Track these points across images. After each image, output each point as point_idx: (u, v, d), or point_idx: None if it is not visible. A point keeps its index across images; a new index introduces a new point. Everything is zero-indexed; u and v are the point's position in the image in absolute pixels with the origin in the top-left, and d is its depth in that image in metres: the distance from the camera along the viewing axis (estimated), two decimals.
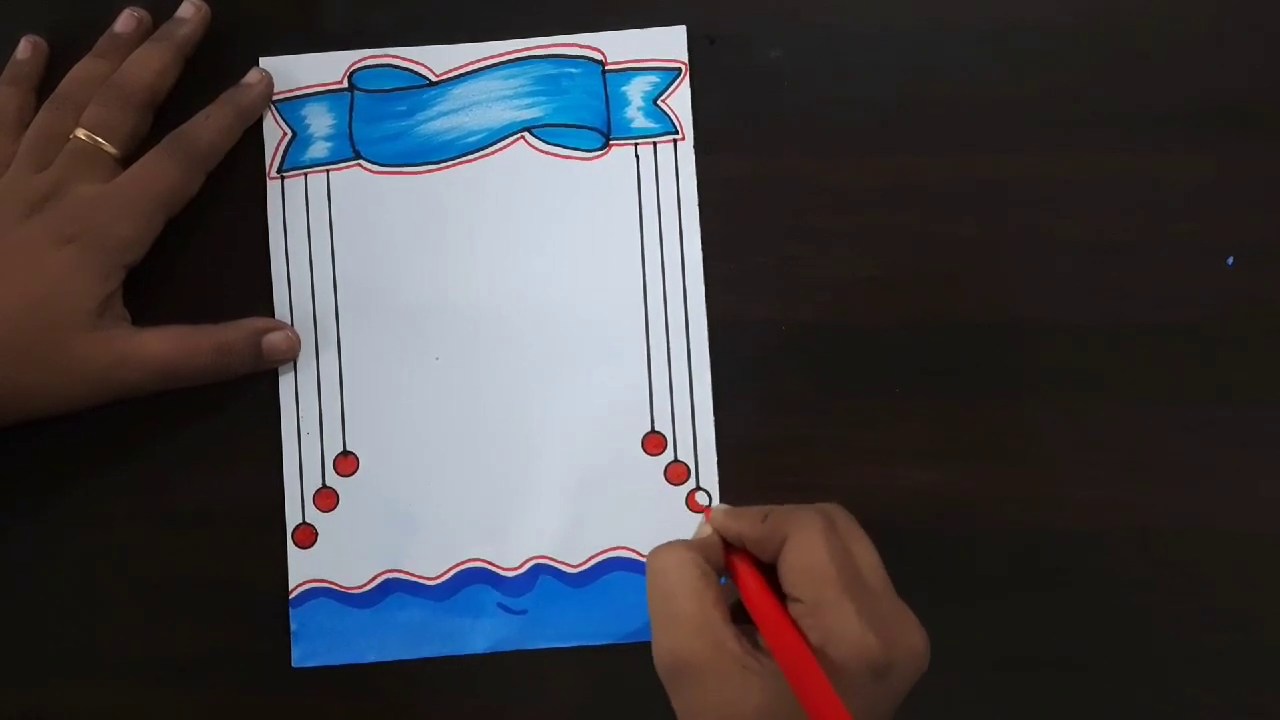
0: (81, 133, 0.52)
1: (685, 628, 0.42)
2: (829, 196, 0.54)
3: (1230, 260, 0.53)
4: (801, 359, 0.54)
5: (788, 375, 0.54)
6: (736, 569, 0.45)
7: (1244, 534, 0.53)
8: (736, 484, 0.54)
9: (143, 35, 0.55)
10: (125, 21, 0.55)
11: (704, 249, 0.55)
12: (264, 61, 0.55)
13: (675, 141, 0.55)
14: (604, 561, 0.54)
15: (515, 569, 0.54)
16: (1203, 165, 0.53)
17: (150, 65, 0.54)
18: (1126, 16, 0.54)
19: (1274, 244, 0.53)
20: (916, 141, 0.54)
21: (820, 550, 0.42)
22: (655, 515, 0.54)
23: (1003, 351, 0.54)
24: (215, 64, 0.56)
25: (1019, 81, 0.54)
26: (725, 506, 0.47)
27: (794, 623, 0.42)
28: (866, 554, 0.44)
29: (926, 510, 0.54)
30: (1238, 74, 0.54)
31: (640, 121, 0.55)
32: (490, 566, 0.54)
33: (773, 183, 0.55)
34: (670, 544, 0.45)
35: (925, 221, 0.54)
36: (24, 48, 0.55)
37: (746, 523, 0.45)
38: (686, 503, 0.54)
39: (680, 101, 0.55)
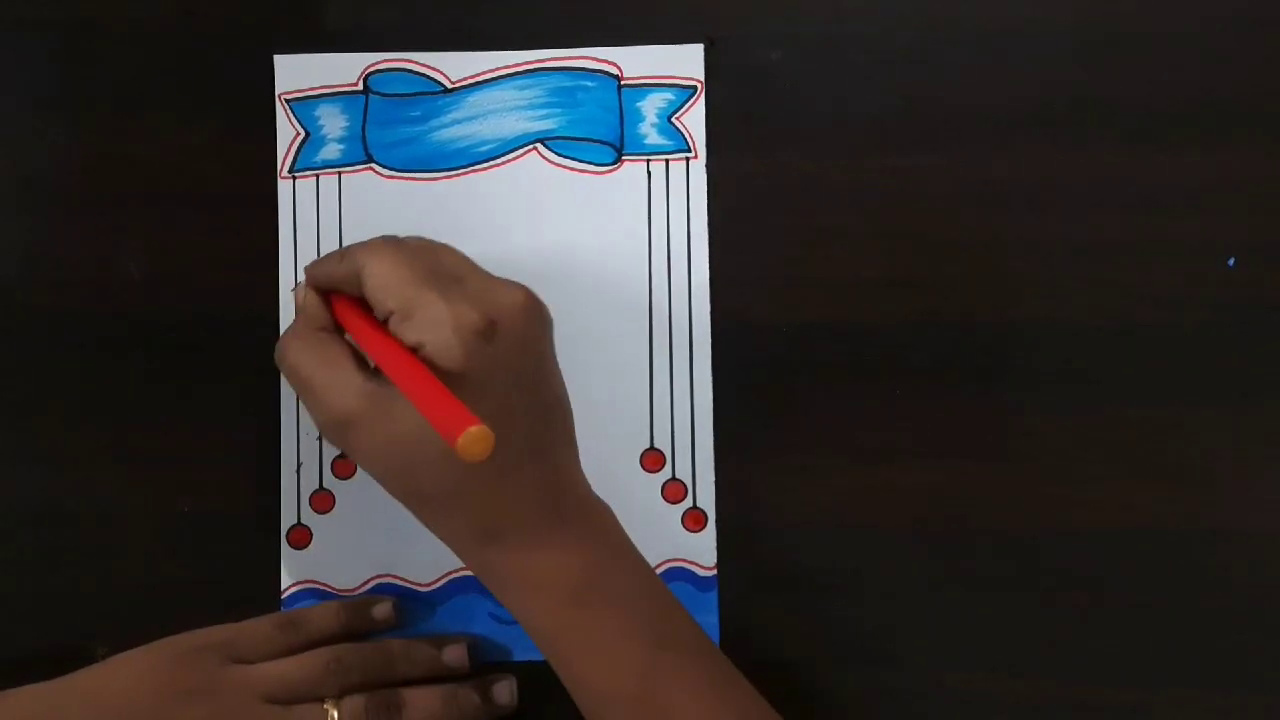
0: (332, 712, 0.50)
1: (328, 395, 0.44)
2: (828, 197, 0.55)
3: (1231, 260, 0.54)
4: (801, 359, 0.54)
5: (787, 375, 0.54)
6: (337, 310, 0.47)
7: (1244, 534, 0.53)
8: (735, 485, 0.54)
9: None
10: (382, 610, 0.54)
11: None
12: (278, 59, 0.56)
13: (688, 160, 0.55)
14: None
15: None
16: (1203, 165, 0.54)
17: (429, 708, 0.51)
18: (1125, 17, 0.55)
19: (1274, 244, 0.54)
20: (916, 142, 0.55)
21: (391, 262, 0.44)
22: (651, 532, 0.53)
23: (1003, 352, 0.54)
24: (219, 63, 0.56)
25: (1019, 82, 0.55)
26: (313, 266, 0.48)
27: (392, 337, 0.43)
28: (443, 252, 0.46)
29: (926, 510, 0.54)
30: (1238, 74, 0.54)
31: (653, 138, 0.55)
32: None
33: (772, 183, 0.55)
34: (282, 337, 0.47)
35: (925, 222, 0.55)
36: (383, 610, 0.54)
37: (330, 264, 0.47)
38: (683, 521, 0.54)
39: (694, 119, 0.55)
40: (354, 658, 0.51)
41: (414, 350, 0.43)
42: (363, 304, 0.45)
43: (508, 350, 0.44)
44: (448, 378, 0.42)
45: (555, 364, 0.47)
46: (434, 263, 0.45)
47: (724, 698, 0.47)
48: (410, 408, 0.41)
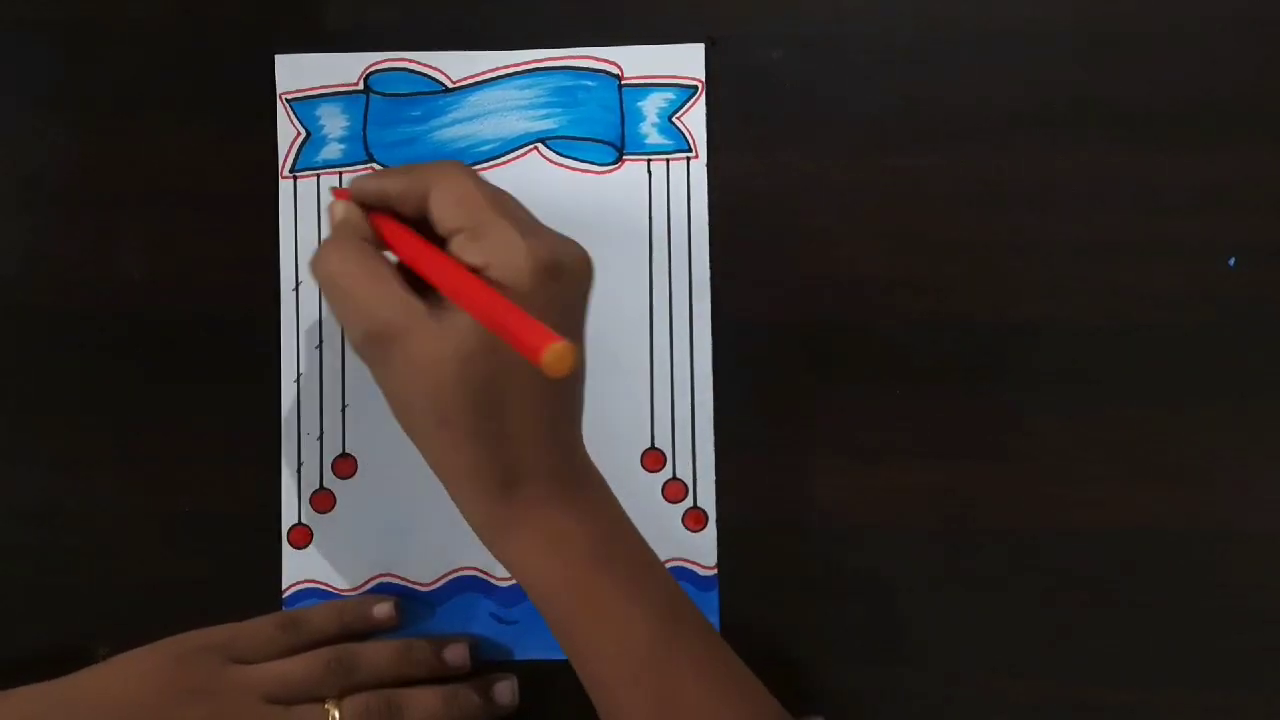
0: (333, 712, 0.50)
1: (369, 305, 0.43)
2: (829, 197, 0.55)
3: (1232, 261, 0.54)
4: (801, 359, 0.54)
5: (788, 375, 0.54)
6: (384, 229, 0.45)
7: (1244, 534, 0.53)
8: (735, 485, 0.54)
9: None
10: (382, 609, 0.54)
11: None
12: (279, 59, 0.56)
13: (688, 160, 0.55)
14: None
15: (508, 579, 0.54)
16: (1203, 165, 0.54)
17: (430, 708, 0.51)
18: (1125, 17, 0.55)
19: (1274, 244, 0.54)
20: (916, 142, 0.55)
21: (469, 183, 0.44)
22: (651, 532, 0.52)
23: (1003, 352, 0.54)
24: (219, 63, 0.56)
25: (1019, 82, 0.55)
26: (360, 180, 0.47)
27: (454, 257, 0.43)
28: (512, 198, 0.45)
29: (926, 510, 0.54)
30: (1238, 74, 0.55)
31: (654, 138, 0.55)
32: (483, 575, 0.54)
33: (773, 183, 0.55)
34: (321, 247, 0.45)
35: (925, 222, 0.55)
36: (383, 610, 0.54)
37: (389, 179, 0.46)
38: (684, 521, 0.55)
39: (695, 119, 0.55)
40: (355, 658, 0.51)
41: (477, 271, 0.42)
42: (412, 225, 0.45)
43: (566, 295, 0.44)
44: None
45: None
46: (506, 200, 0.45)
47: (726, 673, 0.46)
48: (458, 326, 0.41)
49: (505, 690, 0.53)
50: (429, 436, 0.45)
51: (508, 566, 0.46)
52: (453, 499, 0.46)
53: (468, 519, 0.46)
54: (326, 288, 0.45)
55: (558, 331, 0.39)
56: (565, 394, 0.45)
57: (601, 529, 0.46)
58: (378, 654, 0.52)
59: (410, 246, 0.44)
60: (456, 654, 0.53)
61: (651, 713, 0.45)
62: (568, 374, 0.37)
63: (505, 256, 0.42)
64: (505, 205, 0.44)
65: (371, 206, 0.46)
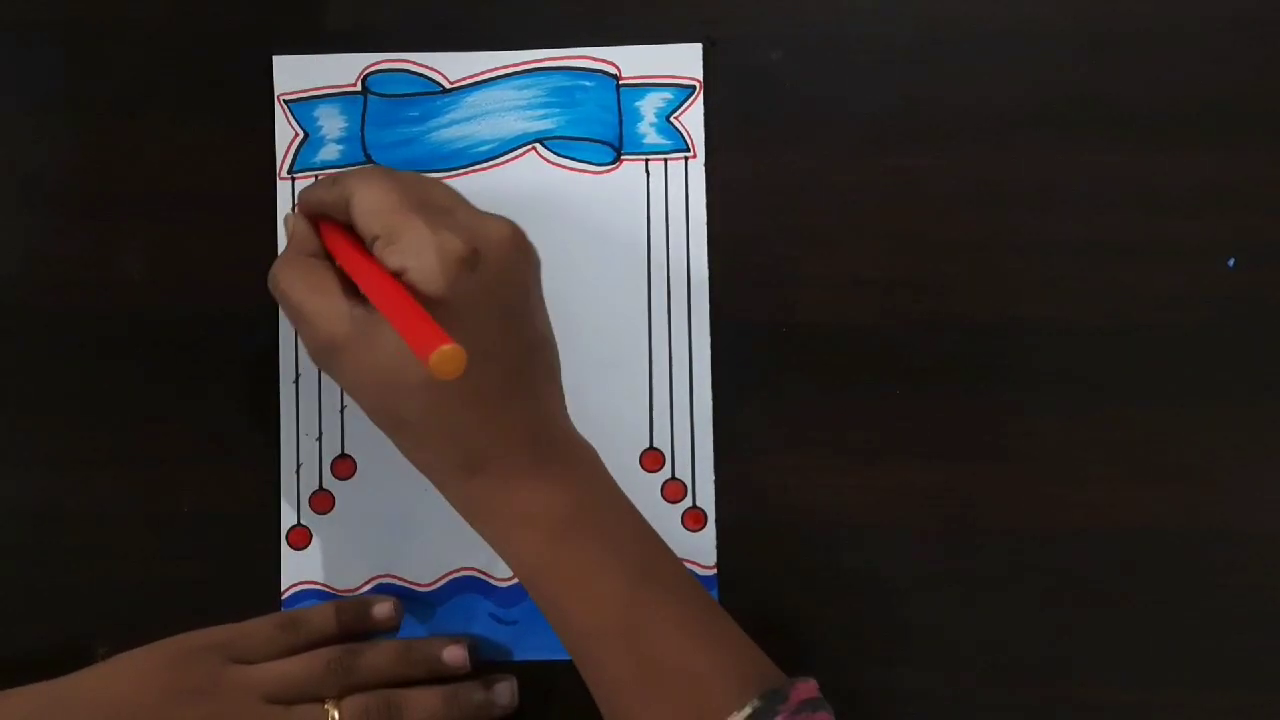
0: (333, 712, 0.50)
1: (316, 320, 0.44)
2: (828, 197, 0.55)
3: (1231, 261, 0.54)
4: (801, 359, 0.54)
5: (787, 375, 0.54)
6: (326, 238, 0.47)
7: (1244, 534, 0.53)
8: (735, 486, 0.54)
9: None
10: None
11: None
12: (277, 60, 0.56)
13: (686, 159, 0.55)
14: None
15: (507, 580, 0.54)
16: (1203, 165, 0.54)
17: (430, 708, 0.51)
18: (1125, 17, 0.55)
19: (1274, 244, 0.54)
20: (916, 142, 0.55)
21: (380, 188, 0.44)
22: None
23: (1003, 352, 0.54)
24: (222, 61, 0.56)
25: (1018, 82, 0.55)
26: (306, 190, 0.48)
27: (377, 262, 0.43)
28: (433, 185, 0.46)
29: (926, 510, 0.53)
30: (1237, 74, 0.54)
31: (652, 138, 0.55)
32: (483, 576, 0.54)
33: (772, 183, 0.55)
34: (279, 258, 0.47)
35: (925, 222, 0.55)
36: (383, 610, 0.54)
37: (321, 190, 0.47)
38: (683, 521, 0.54)
39: (693, 119, 0.55)
40: (354, 658, 0.51)
41: (397, 275, 0.42)
42: (351, 231, 0.45)
43: (491, 281, 0.44)
44: (429, 304, 0.41)
45: (540, 301, 0.48)
46: (423, 193, 0.45)
47: (709, 631, 0.47)
48: (393, 333, 0.42)
49: (505, 690, 0.53)
50: (392, 435, 0.47)
51: (492, 546, 0.47)
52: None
53: (451, 504, 0.47)
54: (280, 303, 0.47)
55: (484, 319, 0.42)
56: (520, 375, 0.46)
57: (570, 499, 0.46)
58: (378, 654, 0.52)
59: (343, 254, 0.45)
60: (456, 654, 0.53)
61: (633, 677, 0.45)
62: (455, 376, 0.38)
63: (417, 259, 0.42)
64: (422, 203, 0.44)
65: (319, 215, 0.48)
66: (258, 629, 0.52)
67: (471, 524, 0.47)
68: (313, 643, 0.52)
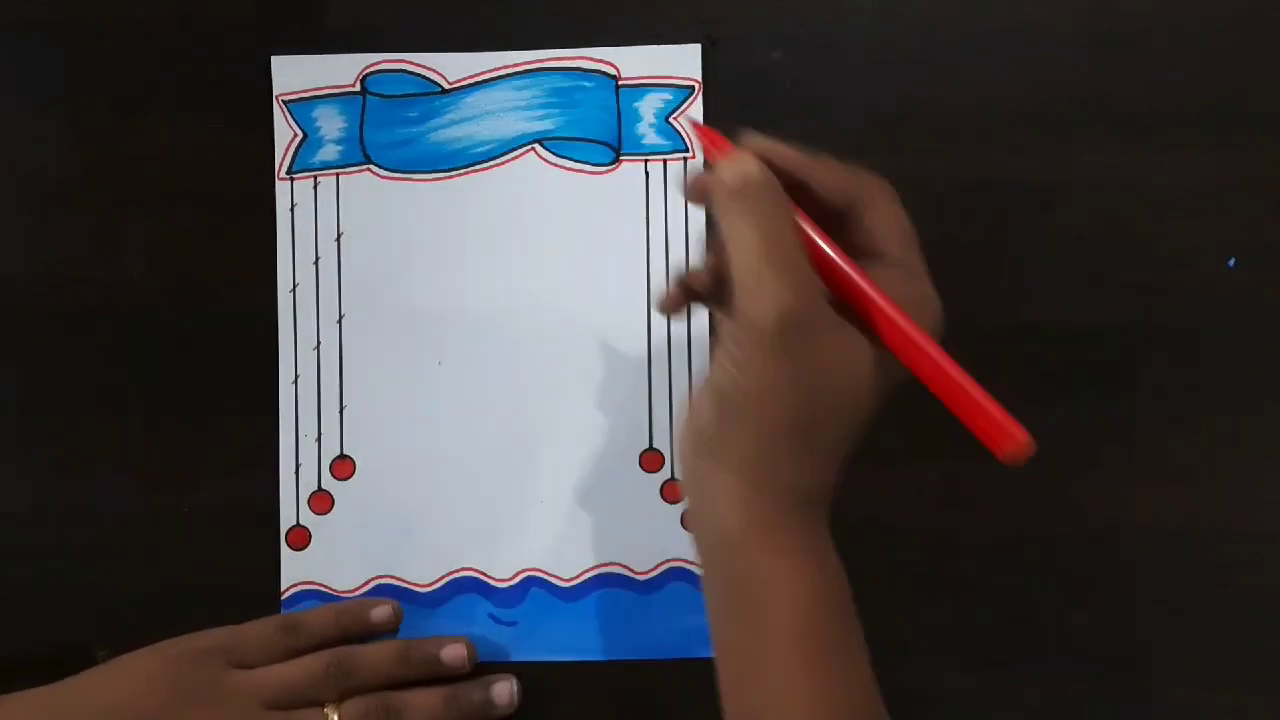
0: (333, 716, 0.50)
1: (802, 281, 0.38)
2: None
3: (1231, 261, 0.54)
4: None
5: None
6: (805, 225, 0.41)
7: (1244, 534, 0.53)
8: None
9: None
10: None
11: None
12: (276, 60, 0.55)
13: (685, 160, 0.55)
14: (596, 577, 0.54)
15: (507, 580, 0.54)
16: (1203, 165, 0.54)
17: (430, 710, 0.51)
18: (1125, 17, 0.55)
19: (1274, 244, 0.54)
20: (915, 143, 0.55)
21: (903, 214, 0.42)
22: (649, 533, 0.54)
23: (1002, 352, 0.53)
24: (221, 62, 0.56)
25: (1018, 82, 0.55)
26: (757, 137, 0.42)
27: (880, 286, 0.40)
28: None
29: (926, 510, 0.53)
30: (1238, 74, 0.54)
31: (651, 138, 0.55)
32: (482, 577, 0.54)
33: None
34: (753, 180, 0.39)
35: (925, 223, 0.54)
36: (382, 612, 0.54)
37: (818, 167, 0.42)
38: (681, 521, 0.54)
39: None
40: (354, 660, 0.51)
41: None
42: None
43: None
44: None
45: None
46: None
47: None
48: (861, 343, 0.39)
49: (504, 690, 0.53)
50: (790, 435, 0.40)
51: (745, 575, 0.40)
52: (717, 490, 0.40)
53: (723, 515, 0.40)
54: (748, 233, 0.39)
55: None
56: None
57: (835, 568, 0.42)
58: (377, 656, 0.52)
59: (838, 264, 0.40)
60: (455, 654, 0.53)
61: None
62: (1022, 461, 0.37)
63: (925, 310, 0.41)
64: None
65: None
66: (257, 632, 0.52)
67: (740, 540, 0.40)
68: (312, 645, 0.52)
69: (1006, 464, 0.37)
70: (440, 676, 0.52)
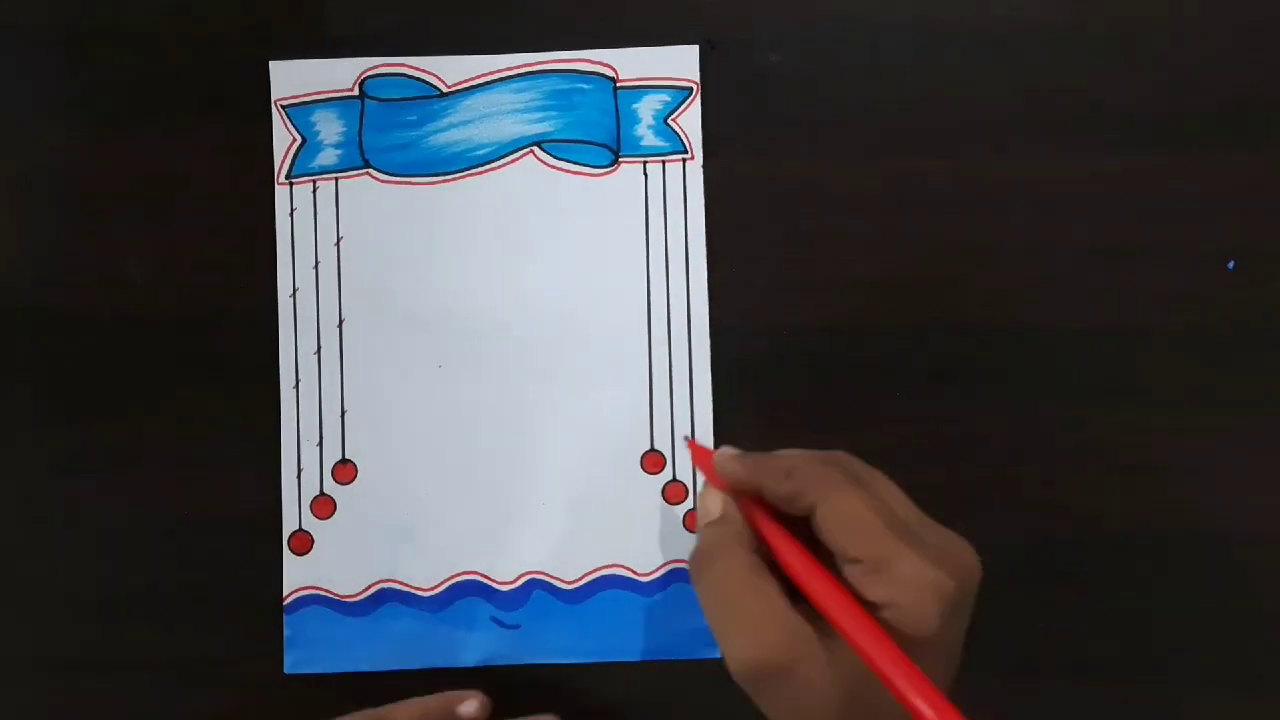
0: None
1: (757, 633, 0.40)
2: (828, 200, 0.54)
3: (1231, 263, 0.54)
4: (802, 362, 0.54)
5: (788, 378, 0.54)
6: (766, 534, 0.42)
7: (1244, 534, 0.53)
8: None
9: None
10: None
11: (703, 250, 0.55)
12: (274, 65, 0.55)
13: (684, 161, 0.55)
14: (599, 579, 0.54)
15: (510, 583, 0.54)
16: (1203, 166, 0.54)
17: None
18: (1126, 18, 0.54)
19: (1274, 245, 0.54)
20: (915, 144, 0.54)
21: (861, 508, 0.40)
22: (652, 534, 0.54)
23: (1003, 354, 0.54)
24: (220, 66, 0.56)
25: (1019, 84, 0.54)
26: (729, 451, 0.44)
27: (849, 587, 0.40)
28: (893, 494, 0.42)
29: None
30: (1238, 75, 0.54)
31: (650, 140, 0.55)
32: (485, 580, 0.54)
33: (772, 185, 0.55)
34: (707, 542, 0.42)
35: (924, 224, 0.54)
36: (469, 709, 0.51)
37: (768, 478, 0.42)
38: (684, 522, 0.54)
39: (690, 121, 0.55)
40: None
41: (875, 606, 0.39)
42: (785, 521, 0.42)
43: (961, 618, 0.41)
44: (903, 642, 0.38)
45: None
46: (893, 507, 0.41)
47: None
48: (849, 662, 0.39)
49: None
50: None
51: None
52: None
53: None
54: (708, 601, 0.41)
55: (943, 656, 0.39)
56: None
57: None
58: None
59: (799, 566, 0.41)
60: None
61: None
62: None
63: (912, 599, 0.38)
64: (897, 524, 0.40)
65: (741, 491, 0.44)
66: None
67: None
68: None
69: None
70: None
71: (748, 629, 0.40)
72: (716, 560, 0.42)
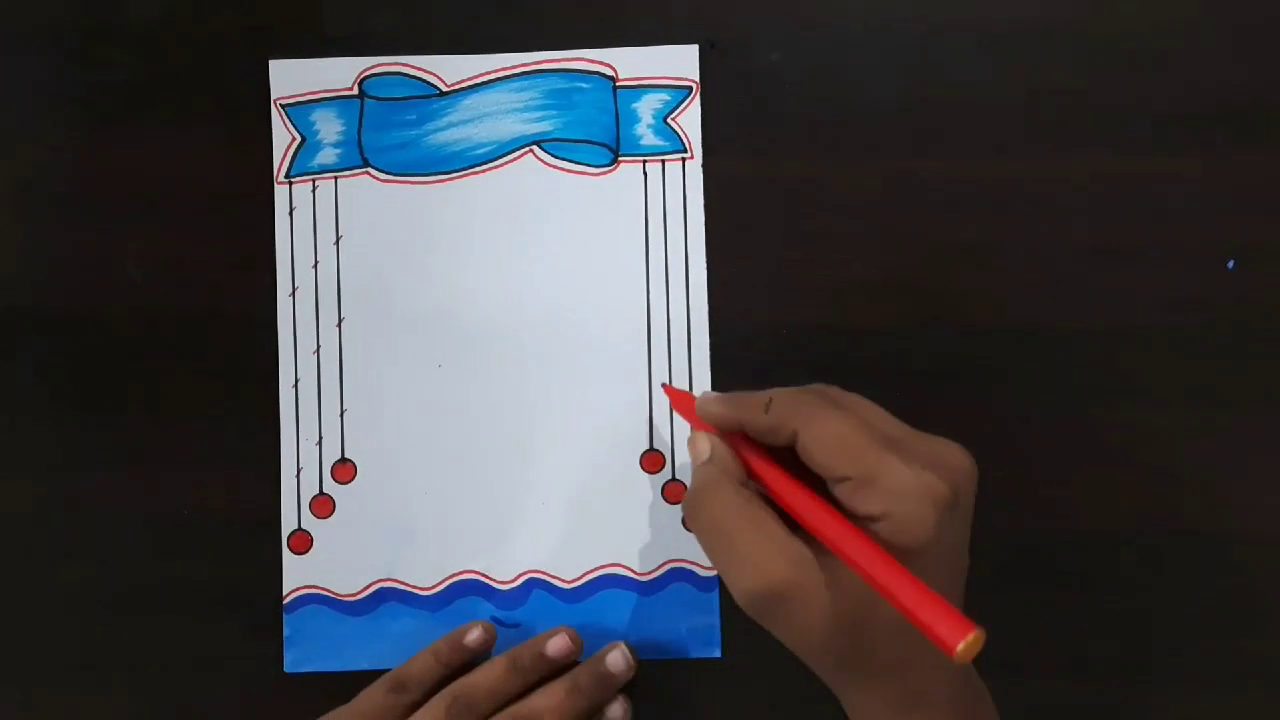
0: None
1: (758, 562, 0.40)
2: (828, 199, 0.54)
3: (1230, 263, 0.53)
4: (799, 361, 0.54)
5: (786, 377, 0.54)
6: (755, 468, 0.43)
7: (1245, 534, 0.53)
8: None
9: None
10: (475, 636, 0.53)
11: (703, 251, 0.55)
12: (273, 64, 0.55)
13: (684, 160, 0.55)
14: (598, 578, 0.54)
15: (509, 582, 0.54)
16: (1202, 167, 0.54)
17: (557, 707, 0.51)
18: (1126, 17, 0.54)
19: (1274, 247, 0.53)
20: (915, 144, 0.54)
21: (842, 427, 0.40)
22: (651, 533, 0.54)
23: (1003, 354, 0.54)
24: (219, 66, 0.56)
25: (1018, 83, 0.54)
26: (711, 395, 0.45)
27: (840, 505, 0.40)
28: (875, 413, 0.43)
29: None
30: (1237, 75, 0.54)
31: (649, 139, 0.55)
32: (484, 579, 0.54)
33: (772, 185, 0.55)
34: (700, 482, 0.43)
35: (924, 224, 0.54)
36: (475, 636, 0.53)
37: (748, 413, 0.43)
38: (683, 522, 0.54)
39: (690, 120, 0.55)
40: (470, 693, 0.50)
41: (869, 520, 0.39)
42: (767, 452, 0.43)
43: (960, 520, 0.41)
44: (899, 553, 0.38)
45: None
46: (878, 423, 0.41)
47: None
48: (851, 581, 0.39)
49: (618, 659, 0.52)
50: (831, 675, 0.43)
51: None
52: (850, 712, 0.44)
53: None
54: (708, 538, 0.42)
55: (939, 563, 0.39)
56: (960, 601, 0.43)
57: None
58: (489, 678, 0.51)
59: (790, 493, 0.42)
60: (560, 647, 0.52)
61: None
62: (971, 659, 0.36)
63: (905, 508, 0.39)
64: (881, 437, 0.40)
65: (730, 431, 0.45)
66: (368, 704, 0.51)
67: None
68: (425, 693, 0.51)
69: (958, 662, 0.36)
70: (552, 672, 0.52)
71: (749, 560, 0.41)
72: (712, 497, 0.43)
